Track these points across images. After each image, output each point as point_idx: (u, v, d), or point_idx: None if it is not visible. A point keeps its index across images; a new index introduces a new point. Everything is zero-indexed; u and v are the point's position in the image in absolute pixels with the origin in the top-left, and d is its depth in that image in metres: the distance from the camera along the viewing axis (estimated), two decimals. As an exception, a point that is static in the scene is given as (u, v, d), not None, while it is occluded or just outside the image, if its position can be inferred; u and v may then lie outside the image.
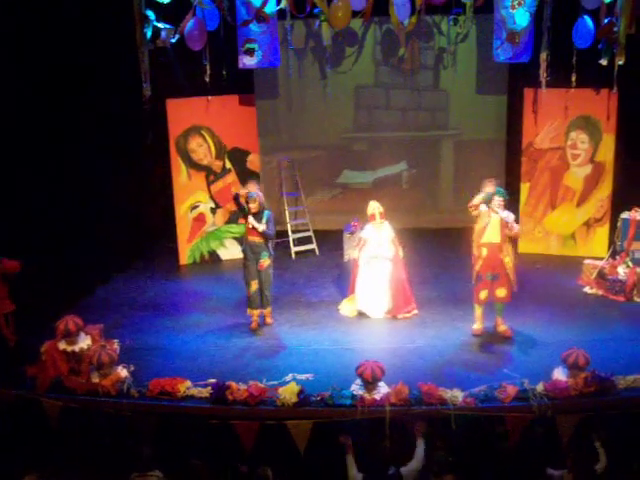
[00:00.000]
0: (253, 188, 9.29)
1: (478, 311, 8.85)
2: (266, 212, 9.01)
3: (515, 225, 8.52)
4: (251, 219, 8.89)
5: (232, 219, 11.94)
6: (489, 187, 8.79)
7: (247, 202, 8.91)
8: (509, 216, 8.45)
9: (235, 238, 12.00)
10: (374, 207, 9.44)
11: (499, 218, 8.44)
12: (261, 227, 8.87)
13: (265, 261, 9.04)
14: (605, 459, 6.45)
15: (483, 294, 8.68)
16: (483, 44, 11.61)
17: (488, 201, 8.52)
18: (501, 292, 8.63)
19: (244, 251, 9.18)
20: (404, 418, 6.82)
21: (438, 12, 11.32)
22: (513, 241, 8.74)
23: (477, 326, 8.88)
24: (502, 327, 8.83)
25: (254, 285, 9.11)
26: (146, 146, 10.48)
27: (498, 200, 8.43)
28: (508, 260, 8.53)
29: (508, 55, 9.60)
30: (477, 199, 8.55)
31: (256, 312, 9.23)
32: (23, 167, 9.72)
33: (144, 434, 7.01)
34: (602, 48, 9.24)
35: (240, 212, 9.16)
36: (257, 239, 8.96)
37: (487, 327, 8.92)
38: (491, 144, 12.83)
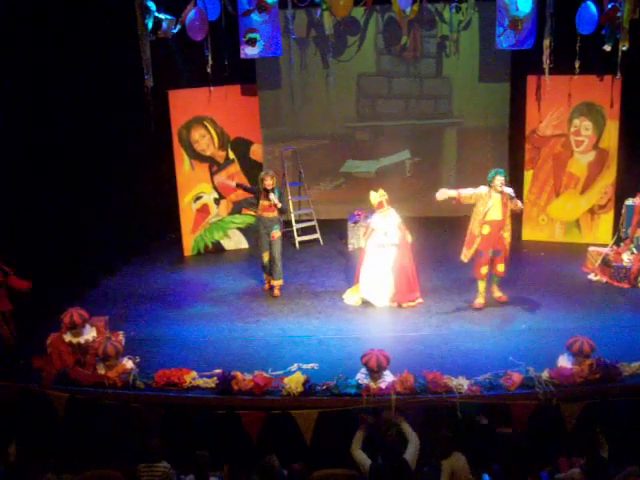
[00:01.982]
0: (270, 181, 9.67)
1: (481, 286, 9.24)
2: (276, 190, 9.68)
3: (518, 200, 8.97)
4: (272, 196, 9.57)
5: (235, 209, 11.96)
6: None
7: (263, 180, 9.57)
8: (512, 191, 8.88)
9: (239, 228, 12.02)
10: (380, 195, 9.46)
11: (500, 197, 8.84)
12: (280, 203, 9.63)
13: (276, 233, 9.78)
14: (607, 447, 6.44)
15: (484, 269, 9.12)
16: (486, 31, 11.56)
17: (489, 182, 8.88)
18: (501, 267, 9.17)
19: (257, 226, 9.97)
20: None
21: (440, 0, 11.31)
22: (513, 217, 9.15)
23: (479, 300, 9.25)
24: (497, 294, 9.37)
25: (266, 257, 9.85)
26: (149, 137, 10.47)
27: (500, 180, 8.81)
28: (507, 235, 9.05)
29: (511, 42, 9.59)
30: (468, 193, 8.91)
31: (269, 277, 10.01)
32: (25, 160, 9.71)
33: (150, 425, 7.03)
34: (606, 34, 9.20)
35: (254, 194, 9.90)
36: (271, 214, 9.72)
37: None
38: (494, 132, 12.79)
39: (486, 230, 8.95)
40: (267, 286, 10.06)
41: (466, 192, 8.93)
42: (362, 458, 6.32)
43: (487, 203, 8.87)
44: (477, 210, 8.97)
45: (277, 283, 9.92)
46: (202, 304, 9.81)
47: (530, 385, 7.00)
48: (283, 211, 9.91)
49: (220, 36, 9.78)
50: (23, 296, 8.45)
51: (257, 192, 9.77)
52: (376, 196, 9.49)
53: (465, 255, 9.16)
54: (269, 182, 9.56)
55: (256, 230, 10.05)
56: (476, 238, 9.00)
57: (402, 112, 12.94)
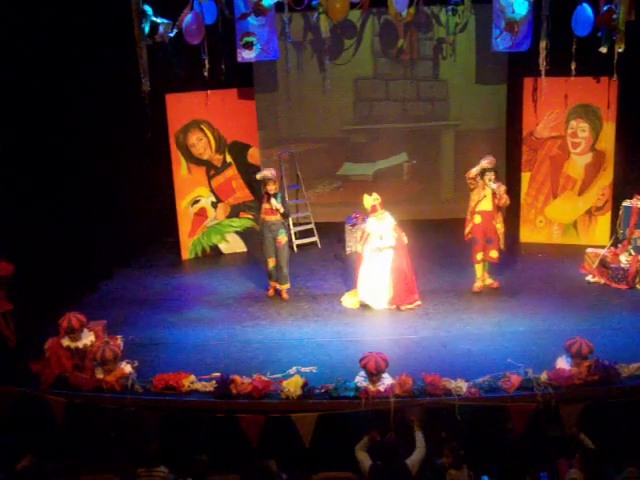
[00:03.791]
0: (270, 172, 9.70)
1: (478, 272, 9.78)
2: (279, 194, 9.66)
3: (504, 195, 9.43)
4: (274, 201, 9.54)
5: (233, 213, 11.96)
6: (485, 161, 9.50)
7: (265, 185, 9.57)
8: (499, 188, 9.41)
9: (237, 232, 12.02)
10: (373, 198, 9.46)
11: (491, 190, 9.42)
12: (282, 208, 9.60)
13: (283, 238, 9.73)
14: (591, 444, 6.44)
15: (479, 255, 9.68)
16: (482, 34, 11.57)
17: (481, 175, 9.43)
18: (494, 254, 9.66)
19: (261, 231, 9.82)
20: (403, 409, 6.84)
21: (436, 2, 11.34)
22: (503, 210, 9.69)
23: (478, 284, 9.79)
24: (489, 280, 9.91)
25: (271, 262, 9.80)
26: (146, 141, 10.46)
27: (489, 174, 9.40)
28: (499, 226, 9.60)
29: (507, 44, 9.58)
30: (474, 171, 9.43)
31: (274, 284, 9.96)
32: (24, 164, 9.71)
33: (149, 429, 7.02)
34: (602, 36, 9.20)
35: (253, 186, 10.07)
36: (275, 218, 9.66)
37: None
38: (491, 134, 12.81)
39: (477, 219, 9.56)
40: (271, 291, 10.00)
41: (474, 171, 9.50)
42: (364, 459, 6.33)
43: (480, 193, 9.48)
44: (472, 197, 9.58)
45: (284, 287, 9.91)
46: (200, 308, 9.80)
47: (529, 387, 7.00)
48: (286, 216, 9.85)
49: (217, 40, 9.76)
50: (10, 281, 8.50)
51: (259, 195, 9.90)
52: (369, 200, 9.49)
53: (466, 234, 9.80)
54: (272, 187, 9.55)
55: (260, 234, 9.89)
56: (469, 223, 9.66)
57: (399, 115, 12.96)
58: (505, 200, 9.44)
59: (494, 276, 9.97)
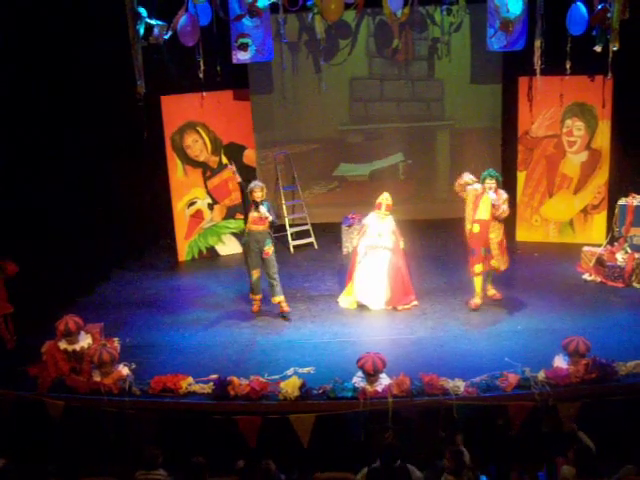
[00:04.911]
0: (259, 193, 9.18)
1: (477, 286, 9.23)
2: (265, 202, 9.16)
3: (502, 206, 8.95)
4: (262, 209, 9.03)
5: (229, 214, 11.95)
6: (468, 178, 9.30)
7: (252, 192, 9.08)
8: (497, 197, 8.92)
9: (233, 233, 12.00)
10: (383, 197, 9.53)
11: (490, 198, 8.94)
12: (271, 216, 9.11)
13: (269, 248, 9.24)
14: (590, 442, 6.44)
15: (478, 268, 9.13)
16: (477, 33, 11.57)
17: (482, 181, 9.03)
18: (495, 263, 9.18)
19: (247, 241, 9.30)
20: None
21: (431, 2, 11.34)
22: (500, 220, 9.14)
23: (476, 300, 9.25)
24: (491, 291, 9.49)
25: (255, 274, 9.33)
26: (142, 143, 10.46)
27: (489, 183, 8.96)
28: (493, 237, 9.04)
29: (502, 44, 9.58)
30: (463, 180, 9.19)
31: (258, 297, 9.49)
32: (21, 166, 9.71)
33: (147, 432, 7.02)
34: (596, 34, 9.22)
35: (245, 202, 9.30)
36: (260, 227, 9.17)
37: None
38: (487, 133, 12.80)
39: (477, 229, 9.10)
40: (256, 307, 9.51)
41: (467, 179, 9.21)
42: None
43: (479, 201, 9.08)
44: (468, 209, 9.21)
45: (281, 299, 9.33)
46: (197, 310, 9.79)
47: (526, 386, 7.02)
48: (273, 224, 9.33)
49: (212, 41, 9.77)
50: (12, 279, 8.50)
51: (247, 203, 9.22)
52: (382, 197, 9.53)
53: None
54: (258, 194, 9.02)
55: (245, 245, 9.34)
56: (468, 233, 9.24)
57: (395, 115, 12.95)
58: (502, 211, 8.97)
59: (497, 286, 9.61)
